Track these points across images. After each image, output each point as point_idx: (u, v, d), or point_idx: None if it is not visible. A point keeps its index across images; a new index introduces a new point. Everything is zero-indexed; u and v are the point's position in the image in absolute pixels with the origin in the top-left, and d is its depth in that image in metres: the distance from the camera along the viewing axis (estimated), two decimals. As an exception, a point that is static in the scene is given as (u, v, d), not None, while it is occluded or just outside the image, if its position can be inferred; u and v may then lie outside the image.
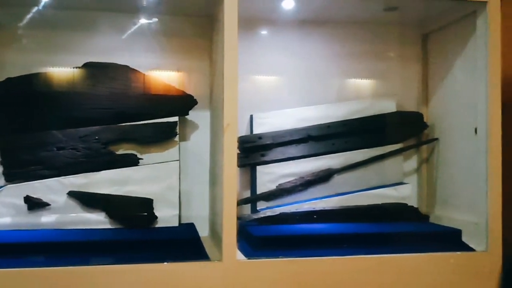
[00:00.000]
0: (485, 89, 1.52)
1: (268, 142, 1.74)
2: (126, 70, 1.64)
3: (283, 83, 1.84)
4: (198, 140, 1.75)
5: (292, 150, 1.77)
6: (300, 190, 1.75)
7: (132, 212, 1.59)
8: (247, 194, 1.78)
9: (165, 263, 1.32)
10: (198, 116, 1.74)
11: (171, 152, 1.64)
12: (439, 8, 1.67)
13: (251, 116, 1.78)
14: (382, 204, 1.75)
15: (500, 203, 1.50)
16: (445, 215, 1.75)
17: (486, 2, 1.52)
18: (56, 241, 1.40)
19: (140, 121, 1.62)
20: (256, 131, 1.76)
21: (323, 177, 1.76)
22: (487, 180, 1.50)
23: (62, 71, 1.62)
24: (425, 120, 1.86)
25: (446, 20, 1.73)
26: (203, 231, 1.71)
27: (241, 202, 1.72)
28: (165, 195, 1.61)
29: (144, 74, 1.66)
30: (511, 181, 1.72)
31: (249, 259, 1.38)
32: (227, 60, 1.38)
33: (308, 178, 1.75)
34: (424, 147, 1.88)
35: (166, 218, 1.60)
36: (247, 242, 1.51)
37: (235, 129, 1.38)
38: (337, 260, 1.41)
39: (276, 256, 1.39)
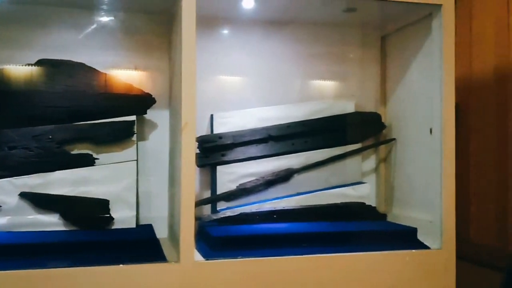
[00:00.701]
0: (439, 90, 1.55)
1: (228, 142, 1.73)
2: (81, 67, 1.60)
3: (244, 83, 1.83)
4: (157, 139, 1.72)
5: (252, 150, 1.77)
6: (261, 190, 1.75)
7: (88, 214, 1.55)
8: (207, 194, 1.77)
9: (120, 265, 1.29)
10: (157, 115, 1.71)
11: (129, 152, 1.61)
12: (396, 10, 1.71)
13: (212, 116, 1.76)
14: (341, 203, 1.77)
15: (454, 202, 1.53)
16: (402, 214, 1.78)
17: (441, 5, 1.55)
18: (6, 244, 1.35)
19: (96, 120, 1.58)
20: (217, 130, 1.75)
21: (284, 176, 1.77)
22: (441, 179, 1.54)
23: (14, 68, 1.56)
24: (383, 120, 1.90)
25: (403, 22, 1.77)
26: (163, 233, 1.68)
27: (200, 203, 1.70)
28: (122, 196, 1.57)
29: (100, 72, 1.62)
30: (464, 180, 1.77)
31: (207, 260, 1.37)
32: (184, 58, 1.36)
33: (269, 178, 1.75)
34: (382, 147, 1.91)
35: (123, 219, 1.57)
36: (206, 243, 1.50)
37: (193, 129, 1.36)
38: (295, 259, 1.41)
39: (235, 256, 1.38)
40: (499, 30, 1.64)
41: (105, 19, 1.68)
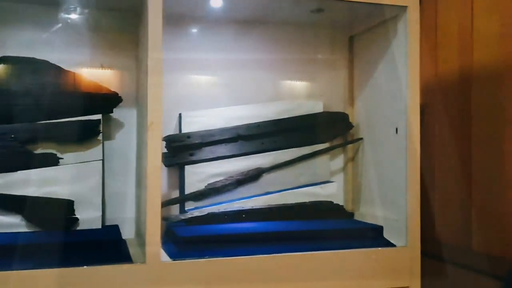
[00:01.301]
0: (405, 90, 1.58)
1: (197, 141, 1.72)
2: (45, 65, 1.56)
3: (213, 82, 1.82)
4: (124, 139, 1.70)
5: (221, 150, 1.76)
6: (230, 190, 1.74)
7: (52, 214, 1.51)
8: (175, 194, 1.75)
9: (85, 266, 1.27)
10: (124, 114, 1.68)
11: (94, 152, 1.58)
12: (363, 11, 1.73)
13: (180, 115, 1.75)
14: (309, 202, 1.78)
15: (419, 201, 1.56)
16: (369, 212, 1.81)
17: (406, 6, 1.58)
18: (-37, 246, 1.31)
19: (60, 119, 1.54)
20: (185, 130, 1.73)
21: (253, 176, 1.77)
22: (406, 178, 1.56)
23: (-25, 65, 1.52)
24: (350, 120, 1.92)
25: (370, 23, 1.79)
26: (130, 233, 1.66)
27: (167, 203, 1.69)
28: (87, 196, 1.55)
29: (66, 70, 1.58)
30: (429, 179, 1.80)
31: (173, 260, 1.36)
32: (151, 56, 1.35)
33: (238, 177, 1.75)
34: (350, 146, 1.93)
35: (88, 220, 1.54)
36: (173, 244, 1.48)
37: (159, 128, 1.35)
38: (262, 258, 1.41)
39: (202, 256, 1.38)
40: (462, 33, 1.68)
41: (71, 16, 1.65)
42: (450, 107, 1.76)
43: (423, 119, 1.58)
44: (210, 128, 1.75)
